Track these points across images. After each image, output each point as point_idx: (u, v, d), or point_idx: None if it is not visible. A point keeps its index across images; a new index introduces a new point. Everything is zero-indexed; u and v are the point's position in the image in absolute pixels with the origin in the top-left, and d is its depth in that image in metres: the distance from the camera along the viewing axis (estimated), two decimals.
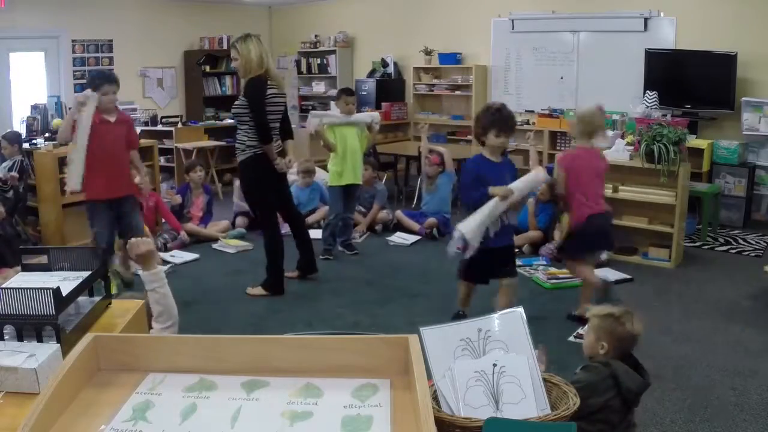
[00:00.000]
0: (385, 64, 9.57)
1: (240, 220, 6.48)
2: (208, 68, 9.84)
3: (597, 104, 4.24)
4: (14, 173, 5.66)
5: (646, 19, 7.39)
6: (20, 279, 1.74)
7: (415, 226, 6.32)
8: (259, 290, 4.72)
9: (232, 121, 8.60)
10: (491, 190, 3.60)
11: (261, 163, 4.42)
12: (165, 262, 5.30)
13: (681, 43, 7.16)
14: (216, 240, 6.07)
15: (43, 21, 8.23)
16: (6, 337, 1.45)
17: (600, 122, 4.26)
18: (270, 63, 4.39)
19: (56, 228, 5.88)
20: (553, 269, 5.18)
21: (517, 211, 3.97)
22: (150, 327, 2.16)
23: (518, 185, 3.68)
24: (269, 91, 4.34)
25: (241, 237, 6.19)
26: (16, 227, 5.49)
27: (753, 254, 5.71)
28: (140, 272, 2.16)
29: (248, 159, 4.44)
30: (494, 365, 1.63)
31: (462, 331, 1.72)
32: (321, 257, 5.34)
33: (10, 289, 1.47)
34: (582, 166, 4.08)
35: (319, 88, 10.21)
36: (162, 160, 7.96)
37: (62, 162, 5.85)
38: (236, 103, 4.45)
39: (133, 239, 2.14)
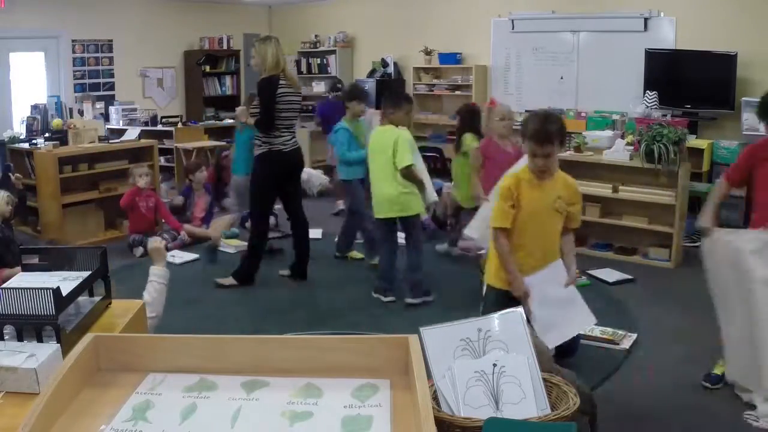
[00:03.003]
0: (385, 64, 9.56)
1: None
2: (208, 68, 9.83)
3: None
4: (19, 174, 5.65)
5: (646, 19, 7.38)
6: (20, 279, 1.74)
7: None
8: (229, 280, 4.87)
9: (232, 121, 8.63)
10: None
11: (274, 159, 4.64)
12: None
13: (681, 43, 7.15)
14: None
15: (43, 21, 8.22)
16: (6, 337, 1.45)
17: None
18: (286, 64, 4.70)
19: (56, 228, 5.88)
20: None
21: None
22: None
23: None
24: (281, 90, 4.56)
25: (234, 237, 6.17)
26: (12, 229, 5.48)
27: None
28: (152, 267, 2.62)
29: (263, 154, 4.69)
30: (494, 365, 1.63)
31: (462, 331, 1.72)
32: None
33: (10, 289, 1.47)
34: None
35: (319, 88, 10.19)
36: (162, 160, 7.95)
37: (62, 162, 5.87)
38: (254, 102, 4.78)
39: (150, 238, 2.86)
